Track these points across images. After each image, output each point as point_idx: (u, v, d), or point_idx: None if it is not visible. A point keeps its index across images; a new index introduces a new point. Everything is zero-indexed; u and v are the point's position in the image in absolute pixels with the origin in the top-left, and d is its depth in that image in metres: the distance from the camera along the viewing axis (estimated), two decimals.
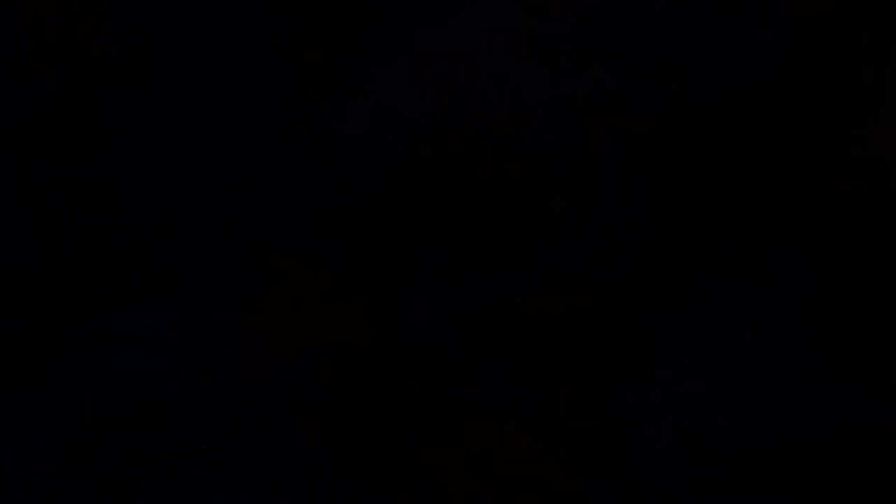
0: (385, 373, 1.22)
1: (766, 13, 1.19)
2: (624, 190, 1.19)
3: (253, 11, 1.31)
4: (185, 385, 1.22)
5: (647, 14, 1.24)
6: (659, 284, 1.21)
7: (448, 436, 1.20)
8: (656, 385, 1.19)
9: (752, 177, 1.22)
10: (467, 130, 1.19)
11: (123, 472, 1.19)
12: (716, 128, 1.23)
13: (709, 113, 1.22)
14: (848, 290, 1.19)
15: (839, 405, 1.17)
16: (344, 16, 1.28)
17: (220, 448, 1.20)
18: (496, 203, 1.24)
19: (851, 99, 1.21)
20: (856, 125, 1.20)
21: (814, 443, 1.16)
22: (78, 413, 1.21)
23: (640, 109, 1.19)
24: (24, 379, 1.22)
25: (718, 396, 1.19)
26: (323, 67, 1.29)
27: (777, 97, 1.19)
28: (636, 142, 1.19)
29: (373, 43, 1.25)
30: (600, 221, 1.20)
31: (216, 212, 1.26)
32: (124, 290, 1.25)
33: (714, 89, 1.22)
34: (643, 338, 1.20)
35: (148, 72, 1.30)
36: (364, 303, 1.23)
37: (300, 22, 1.30)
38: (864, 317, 1.19)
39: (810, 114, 1.21)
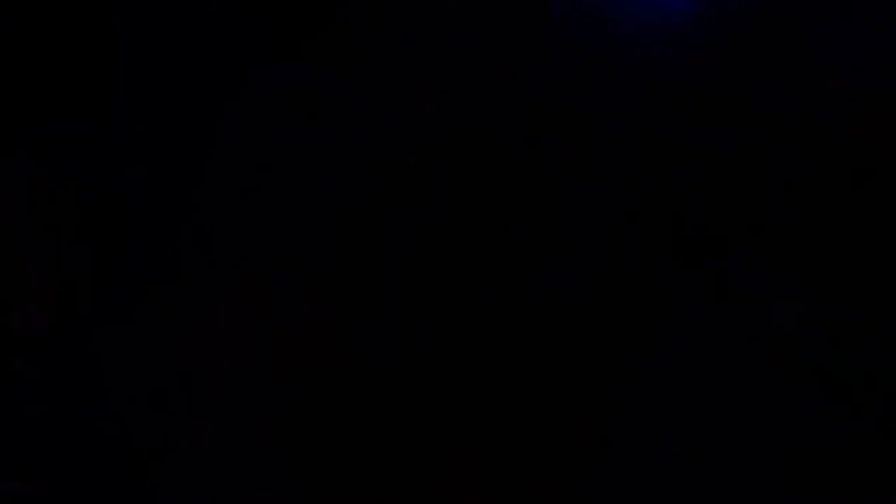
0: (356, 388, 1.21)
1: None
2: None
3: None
4: (172, 400, 1.21)
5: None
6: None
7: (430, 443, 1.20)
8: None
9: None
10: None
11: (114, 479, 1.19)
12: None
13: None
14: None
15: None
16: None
17: (208, 458, 1.20)
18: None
19: None
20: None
21: None
22: (67, 422, 1.21)
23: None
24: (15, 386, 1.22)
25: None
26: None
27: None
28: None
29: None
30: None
31: (215, 219, 1.26)
32: (118, 297, 1.25)
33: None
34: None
35: (152, 73, 1.29)
36: (354, 312, 1.23)
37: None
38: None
39: None
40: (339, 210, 1.25)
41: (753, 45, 1.19)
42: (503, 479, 1.18)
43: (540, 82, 1.27)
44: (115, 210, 1.26)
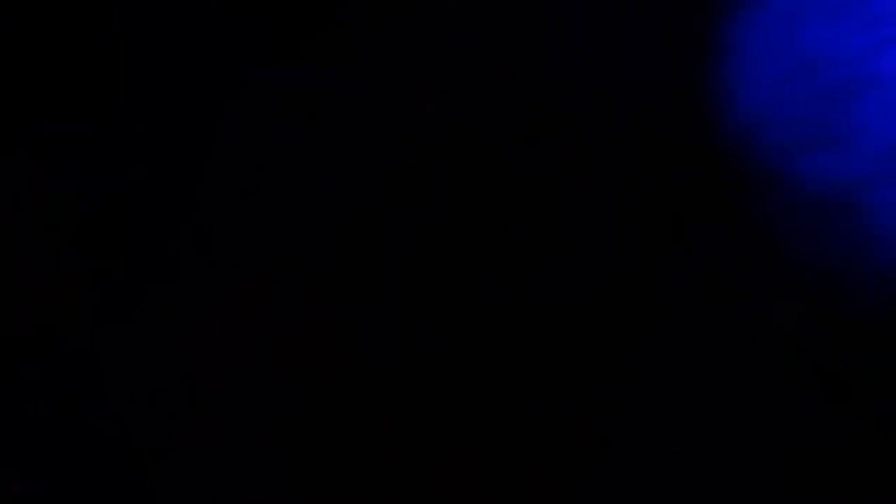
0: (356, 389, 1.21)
1: None
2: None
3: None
4: (176, 401, 1.21)
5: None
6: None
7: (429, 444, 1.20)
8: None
9: None
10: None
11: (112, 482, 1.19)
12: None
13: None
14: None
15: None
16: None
17: (207, 461, 1.20)
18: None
19: None
20: None
21: None
22: (65, 427, 1.21)
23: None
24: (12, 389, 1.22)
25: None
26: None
27: None
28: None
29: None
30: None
31: (215, 219, 1.26)
32: (118, 300, 1.25)
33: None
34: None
35: (152, 71, 1.30)
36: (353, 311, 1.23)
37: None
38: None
39: None
40: (339, 210, 1.25)
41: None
42: (503, 479, 1.18)
43: (540, 82, 1.27)
44: (115, 210, 1.26)
